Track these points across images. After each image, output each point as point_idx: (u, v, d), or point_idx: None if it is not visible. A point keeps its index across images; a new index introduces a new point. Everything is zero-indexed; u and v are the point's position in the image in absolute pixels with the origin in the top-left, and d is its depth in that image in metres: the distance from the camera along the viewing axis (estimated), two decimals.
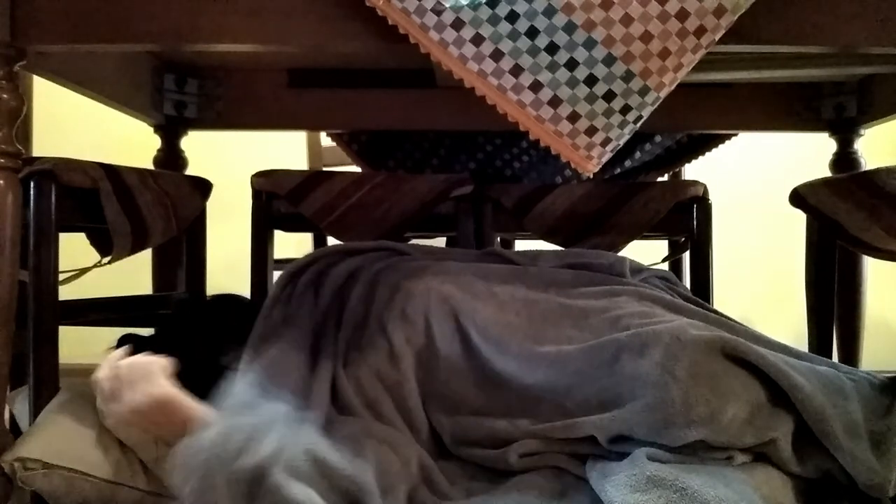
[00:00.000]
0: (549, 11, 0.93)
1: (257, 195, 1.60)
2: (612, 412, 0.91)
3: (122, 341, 1.17)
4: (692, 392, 0.86)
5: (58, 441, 1.07)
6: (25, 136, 1.98)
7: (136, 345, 1.15)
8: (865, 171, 1.35)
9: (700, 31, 0.94)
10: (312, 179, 1.58)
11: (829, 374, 0.93)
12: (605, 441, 0.91)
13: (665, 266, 1.86)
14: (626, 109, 0.97)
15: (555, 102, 0.96)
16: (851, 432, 0.87)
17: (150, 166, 1.79)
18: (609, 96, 0.96)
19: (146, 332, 1.20)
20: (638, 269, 1.26)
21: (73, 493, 1.06)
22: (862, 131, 1.75)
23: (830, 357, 1.54)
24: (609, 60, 0.94)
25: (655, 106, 0.99)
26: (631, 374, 0.91)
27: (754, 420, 0.87)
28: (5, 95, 1.07)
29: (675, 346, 0.90)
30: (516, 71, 0.96)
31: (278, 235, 1.66)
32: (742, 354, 0.90)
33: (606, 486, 0.85)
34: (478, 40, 0.95)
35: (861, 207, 1.30)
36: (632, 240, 1.53)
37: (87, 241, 1.45)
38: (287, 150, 2.27)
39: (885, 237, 1.28)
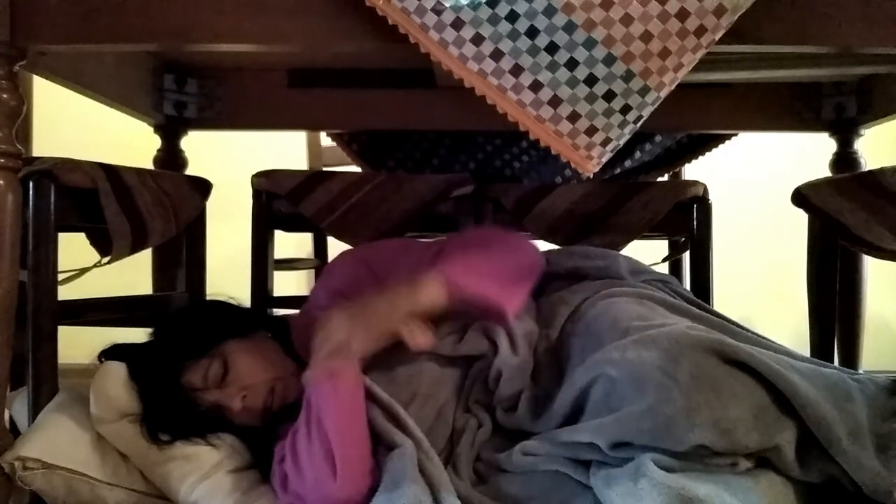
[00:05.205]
0: (549, 11, 0.93)
1: (257, 195, 1.60)
2: (613, 415, 0.90)
3: (109, 351, 1.17)
4: (694, 395, 0.85)
5: (57, 441, 1.07)
6: (25, 136, 1.98)
7: (125, 354, 1.15)
8: (870, 171, 1.35)
9: (700, 31, 0.94)
10: (312, 179, 1.58)
11: (833, 376, 0.93)
12: (607, 447, 0.90)
13: (665, 266, 1.86)
14: (626, 109, 0.97)
15: (555, 102, 0.96)
16: (856, 437, 0.86)
17: (150, 166, 1.79)
18: (609, 96, 0.96)
19: (142, 333, 1.20)
20: (638, 269, 1.26)
21: (71, 493, 1.06)
22: (862, 131, 1.75)
23: (832, 357, 1.54)
24: (609, 60, 0.94)
25: (655, 106, 0.99)
26: (632, 378, 0.90)
27: (758, 424, 0.86)
28: (5, 95, 1.07)
29: (675, 349, 0.90)
30: (516, 71, 0.95)
31: (278, 235, 1.66)
32: (743, 359, 0.89)
33: (612, 495, 0.85)
34: (478, 40, 0.95)
35: (865, 207, 1.30)
36: (632, 240, 1.52)
37: (87, 241, 1.45)
38: (287, 150, 2.27)
39: (889, 237, 1.28)
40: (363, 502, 0.97)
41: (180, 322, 1.21)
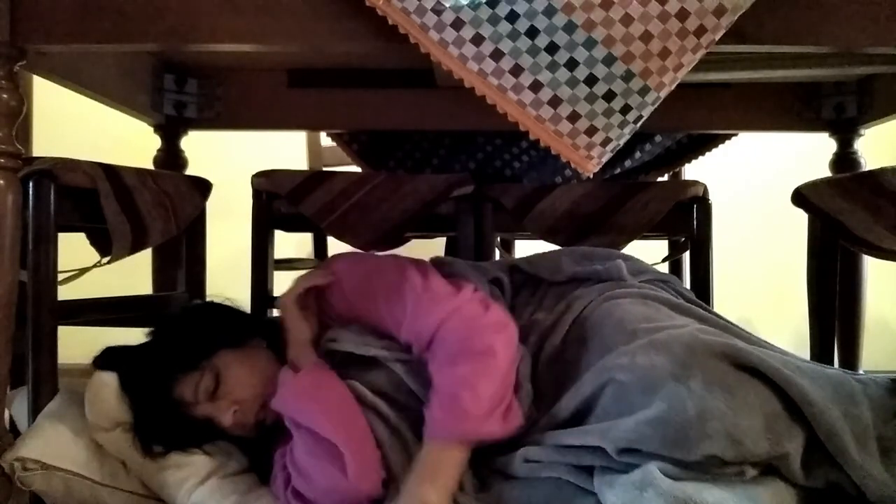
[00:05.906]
0: (550, 11, 0.93)
1: (257, 195, 1.60)
2: (623, 420, 0.89)
3: (101, 357, 1.15)
4: (707, 404, 0.84)
5: (57, 442, 1.07)
6: (25, 136, 1.98)
7: (117, 362, 1.13)
8: (869, 171, 1.35)
9: (700, 31, 0.94)
10: (312, 179, 1.58)
11: (837, 377, 0.92)
12: (615, 452, 0.89)
13: (665, 266, 1.86)
14: (626, 109, 0.97)
15: (555, 102, 0.96)
16: (863, 444, 0.86)
17: (150, 166, 1.79)
18: (609, 96, 0.96)
19: (141, 333, 1.19)
20: (640, 269, 1.25)
21: (70, 494, 1.06)
22: (862, 131, 1.75)
23: (832, 357, 1.54)
24: (609, 60, 0.94)
25: (655, 106, 0.99)
26: (643, 384, 0.89)
27: (769, 433, 0.85)
28: (5, 95, 1.07)
29: (686, 355, 0.89)
30: (516, 71, 0.95)
31: (278, 235, 1.66)
32: (755, 364, 0.88)
33: (617, 503, 0.84)
34: (478, 40, 0.95)
35: (864, 207, 1.30)
36: (632, 240, 1.52)
37: (87, 241, 1.45)
38: (287, 150, 2.27)
39: (889, 237, 1.28)
40: (381, 494, 0.98)
41: (173, 330, 1.17)
